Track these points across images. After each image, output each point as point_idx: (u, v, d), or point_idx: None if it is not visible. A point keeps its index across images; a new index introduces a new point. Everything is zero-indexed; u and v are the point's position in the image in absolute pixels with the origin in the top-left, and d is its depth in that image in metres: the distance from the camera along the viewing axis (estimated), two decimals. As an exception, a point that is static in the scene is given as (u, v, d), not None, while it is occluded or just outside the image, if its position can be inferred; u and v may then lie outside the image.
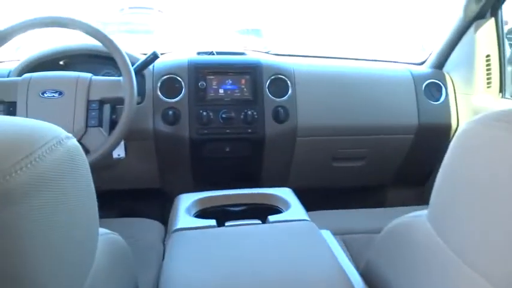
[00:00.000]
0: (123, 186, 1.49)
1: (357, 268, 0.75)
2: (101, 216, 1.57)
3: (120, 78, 1.05)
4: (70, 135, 0.37)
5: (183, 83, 1.28)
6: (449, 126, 1.41)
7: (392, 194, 1.64)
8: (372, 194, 1.70)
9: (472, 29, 1.31)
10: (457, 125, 1.41)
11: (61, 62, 1.29)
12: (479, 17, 1.29)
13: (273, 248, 0.69)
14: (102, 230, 0.53)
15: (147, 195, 1.60)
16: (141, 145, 1.29)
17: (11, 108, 1.03)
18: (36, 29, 1.03)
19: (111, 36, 1.05)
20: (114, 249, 0.50)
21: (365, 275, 0.66)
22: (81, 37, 1.29)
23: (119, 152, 1.14)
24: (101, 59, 1.32)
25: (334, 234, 1.03)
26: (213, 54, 1.41)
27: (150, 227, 1.10)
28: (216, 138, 1.29)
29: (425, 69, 1.52)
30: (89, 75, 1.07)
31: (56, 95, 1.02)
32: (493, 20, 1.27)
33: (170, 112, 1.25)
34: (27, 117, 0.99)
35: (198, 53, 1.48)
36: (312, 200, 1.72)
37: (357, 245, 0.96)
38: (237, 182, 1.45)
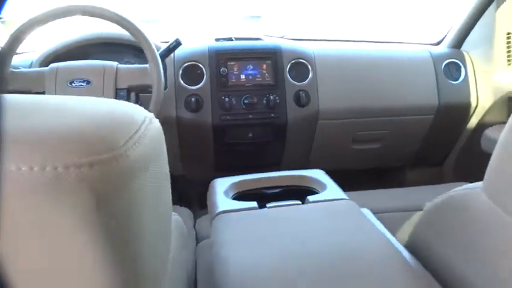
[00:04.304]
0: None
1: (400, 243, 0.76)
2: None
3: (147, 65, 1.05)
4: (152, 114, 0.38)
5: (204, 70, 1.28)
6: (469, 105, 1.42)
7: (411, 175, 1.65)
8: (391, 175, 1.71)
9: (492, 7, 1.31)
10: (477, 104, 1.41)
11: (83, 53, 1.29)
12: (500, -6, 1.28)
13: (319, 226, 0.71)
14: None
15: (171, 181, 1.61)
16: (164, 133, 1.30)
17: None
18: (61, 18, 1.03)
19: (136, 24, 1.05)
20: (179, 227, 0.51)
21: (411, 248, 0.67)
22: (93, 26, 1.29)
23: None
24: (118, 47, 1.32)
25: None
26: (232, 40, 1.41)
27: (179, 212, 1.11)
28: (238, 123, 1.29)
29: (443, 49, 1.51)
30: (114, 63, 1.07)
31: (84, 84, 1.02)
32: (514, -4, 1.27)
33: (193, 99, 1.25)
34: None
35: (217, 39, 1.48)
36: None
37: (394, 223, 0.97)
38: (258, 167, 1.47)
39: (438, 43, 1.60)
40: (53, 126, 0.25)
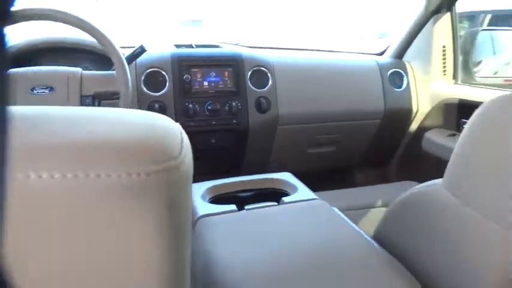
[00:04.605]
0: None
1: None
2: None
3: (112, 72, 1.04)
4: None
5: (167, 76, 1.29)
6: (410, 111, 1.56)
7: (359, 175, 1.78)
8: (340, 175, 1.83)
9: (430, 22, 1.46)
10: (417, 109, 1.56)
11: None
12: (437, 11, 1.43)
13: (297, 224, 0.76)
14: None
15: None
16: None
17: None
18: (19, 22, 0.99)
19: (102, 29, 1.03)
20: None
21: (378, 239, 0.75)
22: (44, 30, 1.24)
23: None
24: (71, 53, 1.28)
25: None
26: (193, 47, 1.43)
27: None
28: (202, 130, 1.32)
29: (387, 59, 1.65)
30: (78, 69, 1.05)
31: (47, 91, 0.99)
32: (449, 14, 1.43)
33: (156, 105, 1.25)
34: None
35: (177, 46, 1.49)
36: None
37: (359, 219, 1.05)
38: (219, 173, 1.50)
39: (381, 53, 1.74)
40: (125, 135, 0.27)
